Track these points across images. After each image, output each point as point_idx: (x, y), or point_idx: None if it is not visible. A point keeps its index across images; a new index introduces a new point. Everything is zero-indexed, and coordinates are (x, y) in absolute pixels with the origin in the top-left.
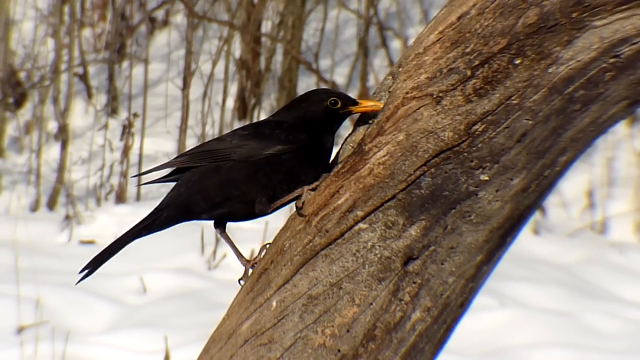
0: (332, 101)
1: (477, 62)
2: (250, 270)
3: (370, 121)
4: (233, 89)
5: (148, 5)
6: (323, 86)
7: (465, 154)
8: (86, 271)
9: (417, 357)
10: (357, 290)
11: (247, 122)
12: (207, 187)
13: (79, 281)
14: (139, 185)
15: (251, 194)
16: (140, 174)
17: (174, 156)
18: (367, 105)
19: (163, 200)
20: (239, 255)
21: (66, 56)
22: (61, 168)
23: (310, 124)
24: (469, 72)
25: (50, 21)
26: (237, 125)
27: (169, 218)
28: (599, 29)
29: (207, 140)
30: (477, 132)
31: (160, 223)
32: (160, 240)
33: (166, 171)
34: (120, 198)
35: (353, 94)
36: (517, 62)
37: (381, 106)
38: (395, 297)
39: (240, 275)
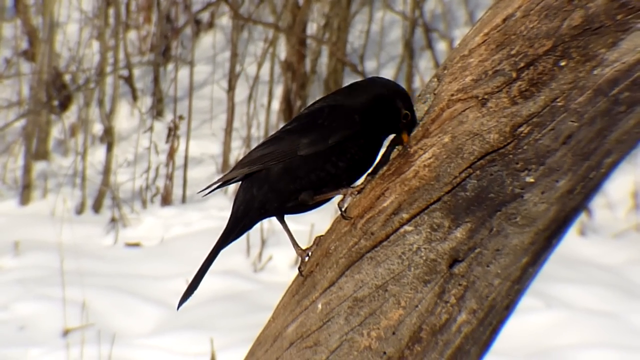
0: (405, 114)
1: (522, 64)
2: (307, 259)
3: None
4: (278, 91)
5: (193, 8)
6: None
7: (511, 156)
8: (186, 297)
9: (462, 359)
10: (403, 293)
11: None
12: (277, 185)
13: (179, 306)
14: (205, 194)
15: (319, 185)
16: (208, 188)
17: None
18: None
19: (237, 209)
20: (295, 244)
21: (111, 59)
22: (107, 171)
23: (372, 116)
24: (514, 74)
25: (95, 23)
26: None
27: (251, 223)
28: None
29: (252, 143)
30: (522, 134)
31: (243, 230)
32: (205, 243)
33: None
34: (166, 200)
35: None
36: (562, 64)
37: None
38: (441, 300)
39: (292, 274)
